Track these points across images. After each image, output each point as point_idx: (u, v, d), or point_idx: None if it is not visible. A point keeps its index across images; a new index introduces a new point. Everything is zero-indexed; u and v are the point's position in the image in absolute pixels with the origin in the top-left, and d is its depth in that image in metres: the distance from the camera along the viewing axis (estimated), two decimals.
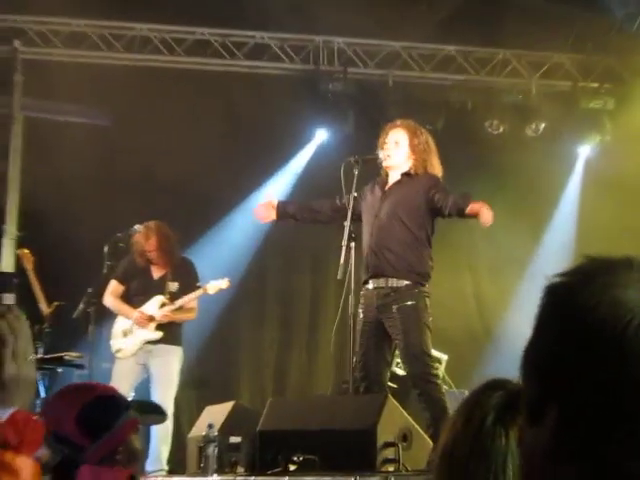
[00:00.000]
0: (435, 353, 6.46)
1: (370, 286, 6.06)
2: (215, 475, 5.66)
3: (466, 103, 9.76)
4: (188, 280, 7.56)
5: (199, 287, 7.51)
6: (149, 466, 7.21)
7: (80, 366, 7.55)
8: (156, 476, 6.75)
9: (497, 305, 9.69)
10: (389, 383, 6.24)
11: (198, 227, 9.34)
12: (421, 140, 6.20)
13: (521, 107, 9.79)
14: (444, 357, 7.87)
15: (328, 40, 9.74)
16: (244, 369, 9.86)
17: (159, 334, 7.42)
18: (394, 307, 5.92)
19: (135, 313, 7.45)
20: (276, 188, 9.27)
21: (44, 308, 7.75)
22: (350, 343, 6.00)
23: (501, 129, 9.68)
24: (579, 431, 0.93)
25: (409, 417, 5.53)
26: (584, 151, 10.15)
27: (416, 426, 5.50)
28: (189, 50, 9.62)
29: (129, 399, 2.82)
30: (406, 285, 5.95)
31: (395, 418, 5.40)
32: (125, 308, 7.56)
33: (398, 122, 6.35)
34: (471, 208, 5.79)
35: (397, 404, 5.52)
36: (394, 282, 5.98)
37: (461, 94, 9.80)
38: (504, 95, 9.88)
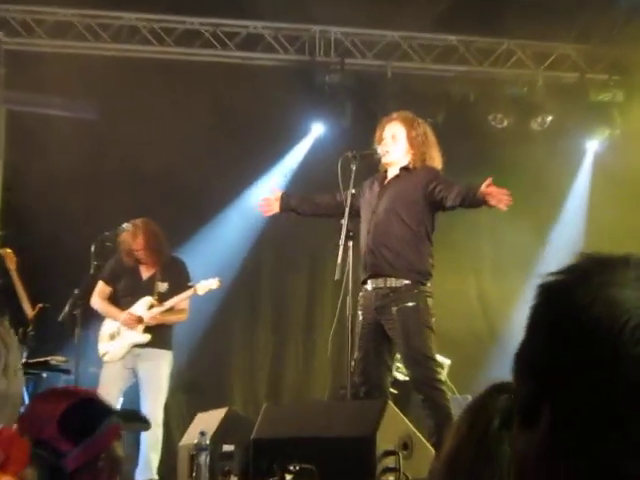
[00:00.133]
0: (437, 358, 6.44)
1: (369, 287, 6.04)
2: None
3: (468, 95, 9.75)
4: (178, 280, 7.54)
5: (190, 287, 7.50)
6: (138, 475, 7.22)
7: (66, 371, 7.54)
8: None
9: (502, 307, 9.68)
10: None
11: (190, 224, 9.33)
12: (419, 132, 6.19)
13: (526, 100, 9.77)
14: (447, 362, 7.86)
15: (324, 30, 9.73)
16: (237, 373, 9.86)
17: (147, 337, 7.41)
18: (393, 308, 5.90)
19: (123, 315, 7.44)
20: (270, 184, 9.26)
21: (28, 310, 7.73)
22: (348, 346, 6.00)
23: (505, 123, 9.68)
24: (574, 430, 0.94)
25: (410, 424, 5.53)
26: (592, 146, 10.15)
27: (417, 433, 5.49)
28: (179, 40, 9.60)
29: (113, 405, 2.83)
30: (405, 285, 5.93)
31: (395, 425, 5.39)
32: (112, 310, 7.56)
33: (394, 115, 6.34)
34: (481, 191, 5.67)
35: (397, 410, 5.50)
36: (393, 282, 5.95)
37: (463, 86, 9.79)
38: (508, 87, 9.87)
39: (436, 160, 6.20)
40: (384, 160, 6.19)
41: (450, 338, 7.98)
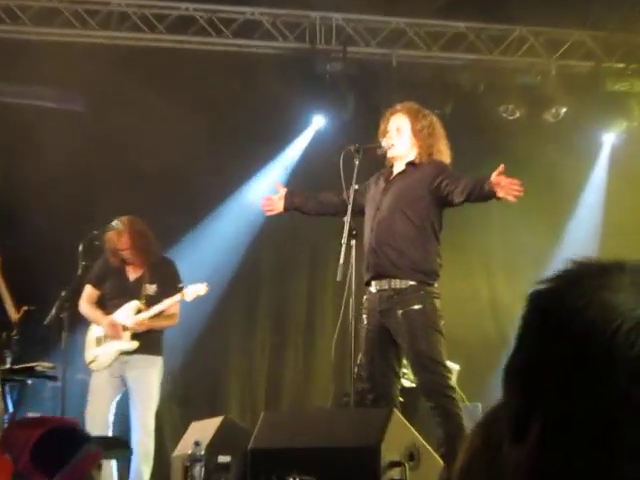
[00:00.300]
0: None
1: (372, 289, 6.02)
2: None
3: (478, 86, 9.74)
4: (168, 281, 7.48)
5: (181, 288, 7.45)
6: None
7: (53, 378, 7.51)
8: None
9: (514, 310, 9.63)
10: None
11: (187, 220, 9.34)
12: (425, 124, 6.16)
13: (539, 90, 9.77)
14: (456, 367, 7.85)
15: (326, 16, 9.72)
16: (233, 379, 9.85)
17: (135, 344, 7.35)
18: (399, 312, 5.87)
19: (106, 320, 7.40)
20: (269, 180, 9.26)
21: (12, 313, 7.70)
22: (351, 351, 5.98)
23: (517, 114, 9.68)
24: (568, 435, 0.95)
25: (417, 434, 5.51)
26: (609, 138, 10.15)
27: (425, 444, 5.47)
28: (171, 27, 9.58)
29: (91, 432, 2.83)
30: (411, 286, 5.90)
31: (401, 435, 5.38)
32: (97, 315, 7.51)
33: (398, 106, 6.31)
34: (491, 181, 5.59)
35: (404, 419, 5.50)
36: (397, 283, 5.92)
37: (472, 76, 9.78)
38: (520, 76, 9.86)
39: (444, 154, 6.17)
40: (389, 154, 6.17)
41: (459, 342, 7.96)
